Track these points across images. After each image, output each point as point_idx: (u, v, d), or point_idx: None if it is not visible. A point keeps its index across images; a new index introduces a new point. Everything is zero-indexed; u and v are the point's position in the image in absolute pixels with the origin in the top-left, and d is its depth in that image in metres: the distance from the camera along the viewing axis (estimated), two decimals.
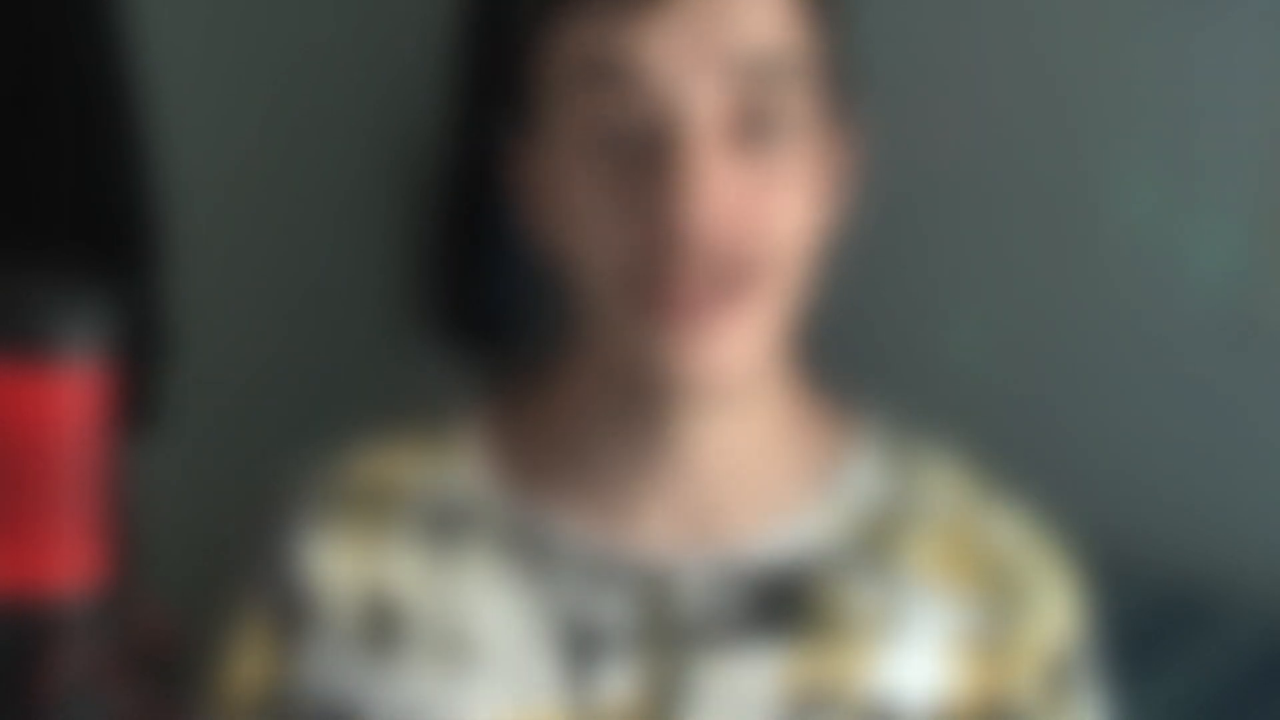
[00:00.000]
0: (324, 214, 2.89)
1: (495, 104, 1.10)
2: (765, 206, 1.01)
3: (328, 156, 2.87)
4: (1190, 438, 2.38)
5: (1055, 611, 1.09)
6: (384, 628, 1.09)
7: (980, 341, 2.54)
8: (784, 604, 1.06)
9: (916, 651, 1.06)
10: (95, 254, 2.27)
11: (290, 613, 1.11)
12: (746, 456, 1.08)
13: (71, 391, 0.80)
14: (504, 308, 2.60)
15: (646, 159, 0.99)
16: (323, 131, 2.86)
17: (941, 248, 2.57)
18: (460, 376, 1.17)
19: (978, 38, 2.49)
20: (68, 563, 0.81)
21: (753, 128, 1.00)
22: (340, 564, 1.11)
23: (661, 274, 1.00)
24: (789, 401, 1.11)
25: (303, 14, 2.81)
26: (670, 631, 1.06)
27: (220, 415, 2.61)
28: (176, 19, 2.57)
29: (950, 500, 1.11)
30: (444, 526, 1.11)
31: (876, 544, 1.08)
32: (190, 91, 2.59)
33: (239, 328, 2.74)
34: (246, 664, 1.13)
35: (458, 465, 1.12)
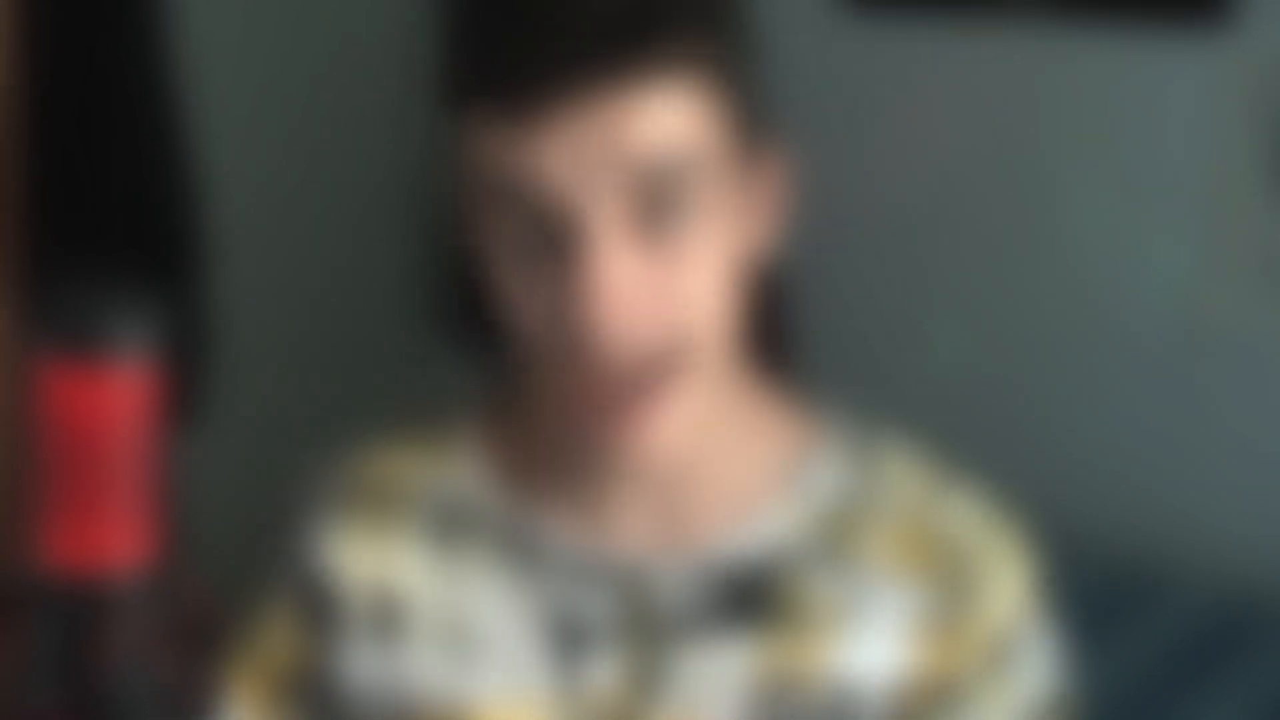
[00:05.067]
0: (356, 232, 2.90)
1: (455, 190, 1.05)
2: (677, 293, 0.96)
3: (360, 181, 2.88)
4: (1140, 429, 2.39)
5: (1005, 592, 1.06)
6: (391, 617, 1.09)
7: (951, 339, 2.54)
8: (752, 597, 1.05)
9: (874, 636, 1.05)
10: (146, 263, 2.27)
11: (314, 602, 1.11)
12: (714, 465, 1.06)
13: (125, 388, 0.80)
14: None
15: (554, 262, 0.95)
16: (354, 156, 2.87)
17: (919, 256, 2.57)
18: (470, 376, 1.16)
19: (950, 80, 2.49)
20: (121, 544, 0.81)
21: (655, 219, 0.95)
22: (354, 557, 1.10)
23: (580, 371, 0.96)
24: (750, 410, 1.08)
25: (332, 46, 2.82)
26: (649, 624, 1.05)
27: (258, 410, 2.61)
28: (218, 55, 2.57)
29: (908, 491, 1.08)
30: (446, 526, 1.10)
31: (838, 537, 1.06)
32: (231, 118, 2.59)
33: (275, 332, 2.74)
34: (275, 650, 1.12)
35: (459, 469, 1.11)
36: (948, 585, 1.06)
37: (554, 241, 0.95)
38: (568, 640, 1.06)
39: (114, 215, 2.29)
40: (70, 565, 0.80)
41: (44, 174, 2.21)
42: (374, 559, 1.10)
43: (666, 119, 0.94)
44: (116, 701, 0.80)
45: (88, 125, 2.26)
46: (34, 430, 0.80)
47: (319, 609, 1.10)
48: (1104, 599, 2.15)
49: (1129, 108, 2.36)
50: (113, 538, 0.81)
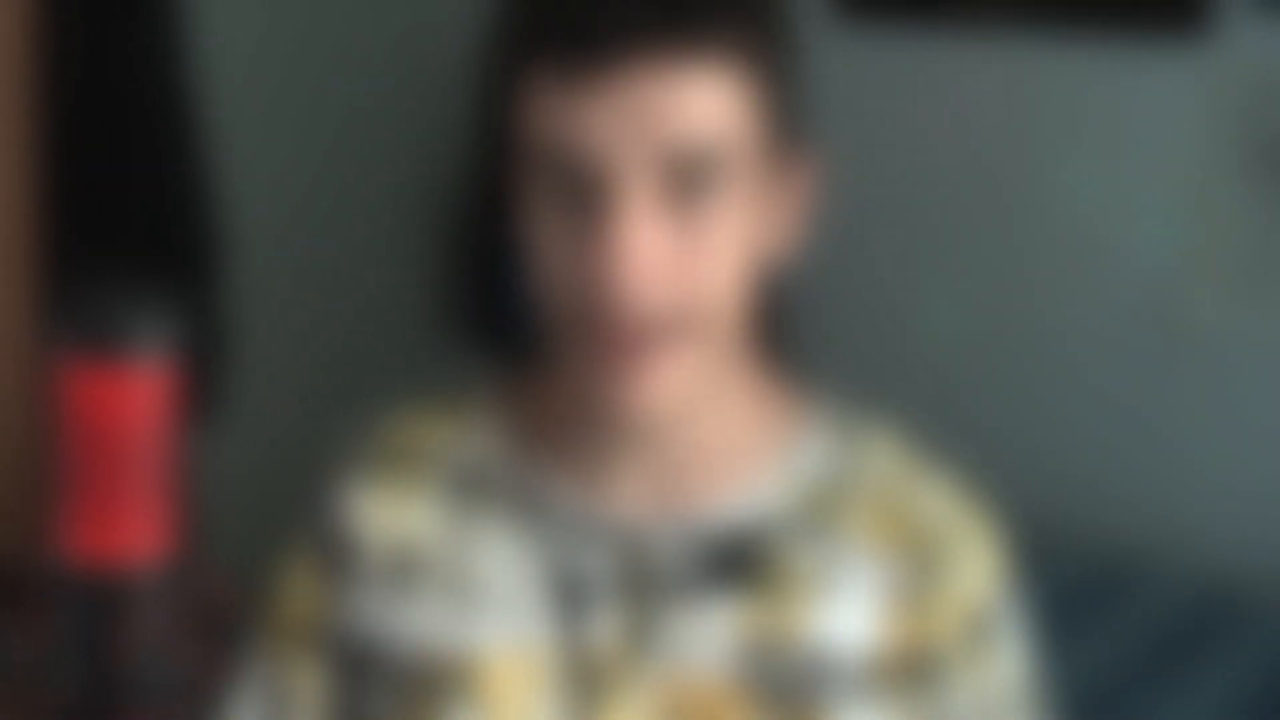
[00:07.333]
0: (367, 233, 2.90)
1: (497, 152, 1.10)
2: (696, 264, 1.00)
3: (371, 184, 2.88)
4: (1116, 427, 2.39)
5: (975, 571, 1.10)
6: (406, 570, 1.11)
7: (938, 338, 2.55)
8: (739, 562, 1.09)
9: (849, 604, 1.08)
10: (165, 266, 2.28)
11: (333, 554, 1.13)
12: (710, 437, 1.10)
13: (145, 386, 0.80)
14: (518, 316, 2.60)
15: (586, 222, 1.00)
16: (366, 160, 2.87)
17: (910, 257, 2.57)
18: (481, 372, 1.18)
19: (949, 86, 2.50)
20: (141, 537, 0.81)
21: (685, 196, 1.00)
22: (374, 512, 1.13)
23: (597, 324, 1.00)
24: (747, 388, 1.12)
25: (347, 50, 2.82)
26: (644, 583, 1.09)
27: (273, 407, 2.62)
28: (235, 59, 2.57)
29: (886, 473, 1.12)
30: (462, 486, 1.13)
31: (820, 512, 1.10)
32: (249, 123, 2.59)
33: (291, 331, 2.74)
34: (295, 599, 1.14)
35: (475, 435, 1.14)
36: (919, 563, 1.09)
37: (587, 203, 1.00)
38: (568, 596, 1.09)
39: (133, 218, 2.29)
40: (91, 558, 0.81)
41: (65, 179, 2.21)
42: (393, 515, 1.13)
43: (707, 105, 0.99)
44: (136, 689, 0.80)
45: (108, 130, 2.26)
46: (56, 428, 0.81)
47: (340, 562, 1.12)
48: (1082, 591, 2.15)
49: (1113, 113, 2.36)
50: (132, 531, 0.81)
